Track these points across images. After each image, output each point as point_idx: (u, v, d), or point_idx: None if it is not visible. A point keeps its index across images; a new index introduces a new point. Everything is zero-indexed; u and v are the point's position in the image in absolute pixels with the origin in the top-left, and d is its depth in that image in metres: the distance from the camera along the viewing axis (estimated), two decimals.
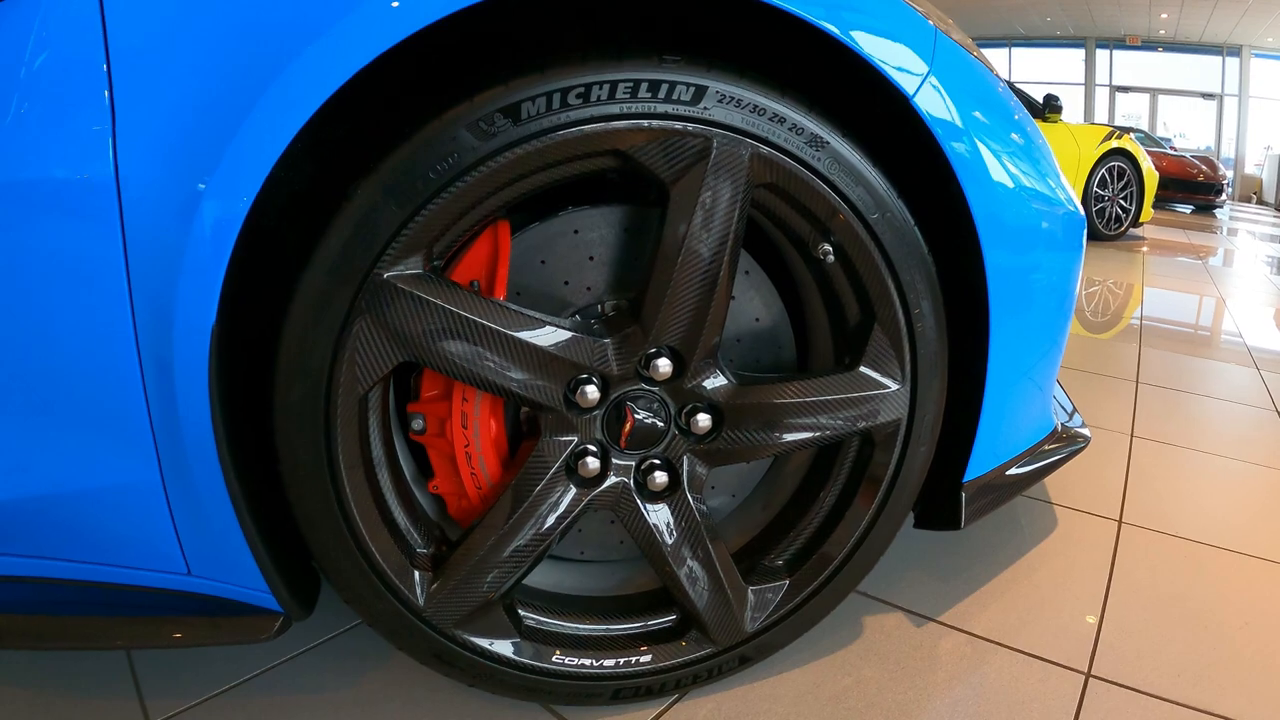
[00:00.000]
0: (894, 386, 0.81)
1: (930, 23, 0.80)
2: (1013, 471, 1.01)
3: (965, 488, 0.93)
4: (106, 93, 0.60)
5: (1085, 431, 1.24)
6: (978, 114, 0.81)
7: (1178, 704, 0.92)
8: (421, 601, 0.77)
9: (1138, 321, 3.05)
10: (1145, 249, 4.92)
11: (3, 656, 0.95)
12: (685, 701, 0.92)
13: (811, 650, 1.00)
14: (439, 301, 0.68)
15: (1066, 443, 1.14)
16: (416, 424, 0.80)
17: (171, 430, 0.67)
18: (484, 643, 0.82)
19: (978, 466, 0.94)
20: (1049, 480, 1.49)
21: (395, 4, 0.60)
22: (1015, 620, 1.07)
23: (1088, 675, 0.96)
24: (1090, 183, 4.66)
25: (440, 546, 0.81)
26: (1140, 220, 4.97)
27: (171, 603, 0.77)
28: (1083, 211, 1.05)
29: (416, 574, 0.77)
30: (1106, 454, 1.65)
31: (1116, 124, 5.21)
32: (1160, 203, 6.87)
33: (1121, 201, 4.86)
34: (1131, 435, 1.78)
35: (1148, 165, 4.79)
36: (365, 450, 0.72)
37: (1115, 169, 4.74)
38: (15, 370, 0.65)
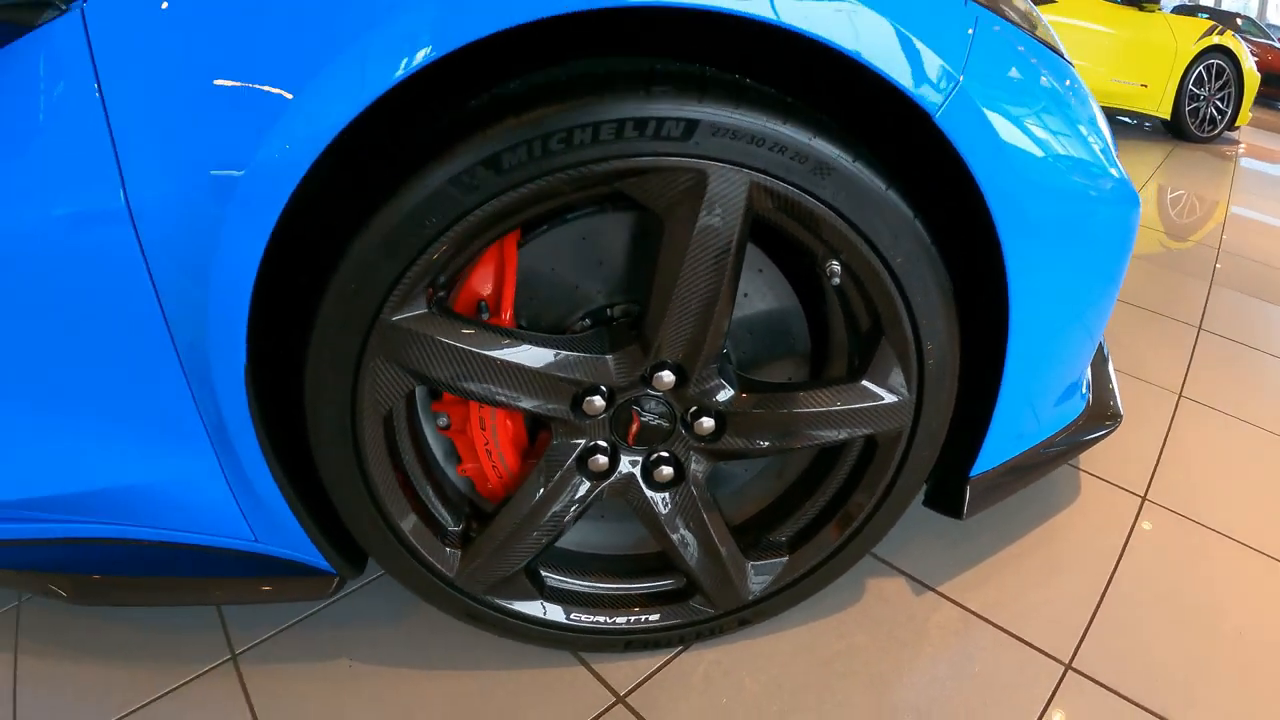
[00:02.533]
0: (899, 398, 0.83)
1: (967, 7, 0.72)
2: (1024, 465, 1.02)
3: (971, 482, 0.96)
4: (121, 190, 0.65)
5: (1119, 407, 1.22)
6: (1019, 126, 0.74)
7: (1148, 711, 0.96)
8: (453, 574, 0.87)
9: (1213, 250, 2.78)
10: (1240, 155, 4.55)
11: None
12: (689, 653, 1.02)
13: (812, 610, 1.08)
14: (443, 339, 0.73)
15: (1091, 427, 1.13)
16: (442, 420, 0.86)
17: (221, 433, 0.76)
18: (510, 604, 0.93)
19: (986, 462, 0.96)
20: None
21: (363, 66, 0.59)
22: (1011, 599, 1.11)
23: (1068, 667, 1.01)
24: (1185, 80, 4.27)
25: (470, 522, 0.90)
26: (1237, 123, 4.57)
27: (249, 564, 0.89)
28: (1138, 200, 0.94)
29: (448, 550, 0.87)
30: (1148, 415, 1.60)
31: (1223, 9, 4.69)
32: (1265, 100, 6.25)
33: (1218, 102, 4.45)
34: (1180, 395, 1.70)
35: (1249, 65, 4.35)
36: (394, 453, 0.79)
37: (1214, 67, 4.32)
38: (111, 393, 0.76)
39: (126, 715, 1.02)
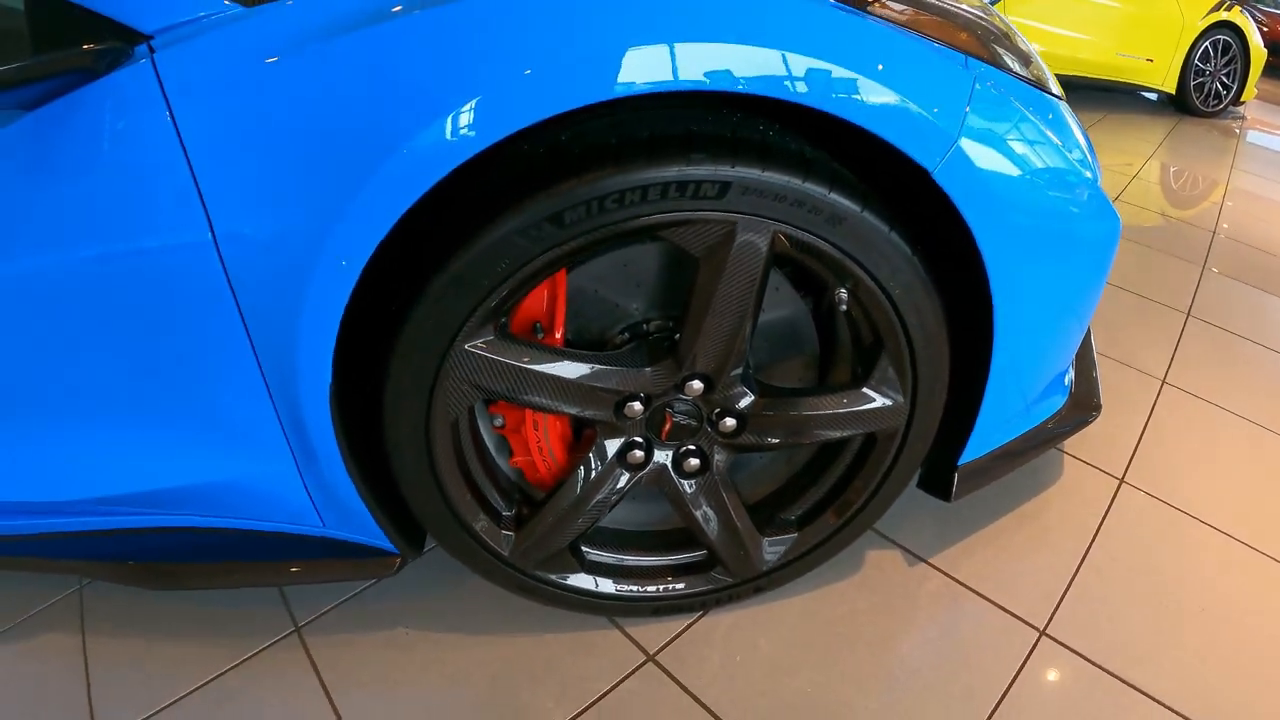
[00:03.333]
0: (895, 403, 0.96)
1: (967, 70, 0.83)
2: (1008, 453, 1.15)
3: (959, 470, 1.09)
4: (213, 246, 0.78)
5: (1099, 398, 1.33)
6: (1006, 169, 0.85)
7: (1114, 676, 1.09)
8: (507, 554, 1.01)
9: (1208, 232, 2.80)
10: (1243, 129, 4.59)
11: None
12: (709, 617, 1.17)
13: (819, 578, 1.22)
14: (507, 360, 0.85)
15: (1072, 418, 1.25)
16: (498, 421, 1.00)
17: (302, 440, 0.90)
18: (555, 577, 1.07)
19: (973, 451, 1.09)
20: None
21: (450, 135, 0.71)
22: (994, 570, 1.25)
23: (1042, 633, 1.15)
24: (1191, 56, 4.30)
25: (522, 507, 1.03)
26: (1242, 99, 4.60)
27: (313, 547, 1.03)
28: (1117, 223, 1.04)
29: (503, 533, 1.00)
30: (1132, 401, 1.70)
31: None
32: (1273, 72, 6.20)
33: (1223, 77, 4.48)
34: (1163, 381, 1.80)
35: (1256, 41, 4.36)
36: (459, 453, 0.93)
37: (1221, 43, 4.35)
38: (200, 404, 0.89)
39: (200, 687, 1.17)
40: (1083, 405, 1.29)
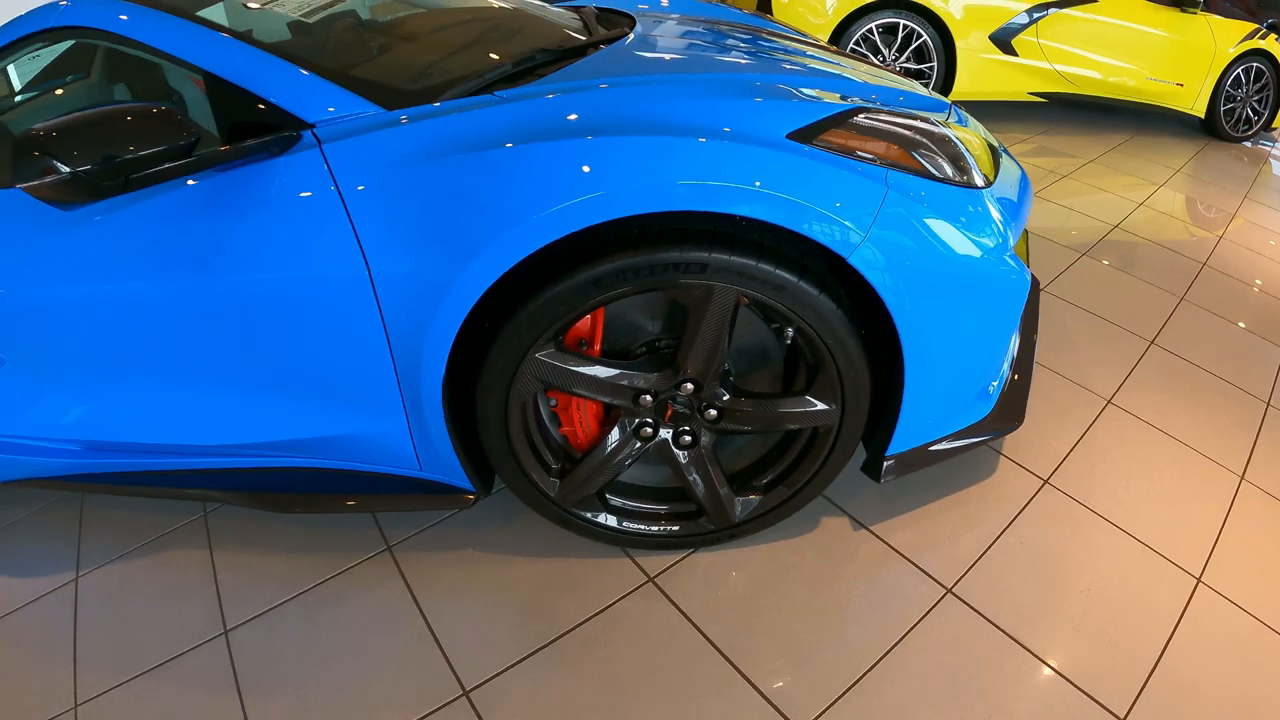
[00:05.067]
0: (830, 408, 1.34)
1: (885, 183, 1.19)
2: (933, 449, 1.50)
3: (886, 459, 1.46)
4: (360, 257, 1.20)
5: (1023, 412, 1.65)
6: (912, 251, 1.21)
7: (1001, 631, 1.43)
8: (553, 495, 1.43)
9: (1198, 264, 2.90)
10: (1272, 156, 4.71)
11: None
12: (696, 554, 1.57)
13: (781, 533, 1.61)
14: (563, 365, 1.27)
15: (992, 427, 1.56)
16: (552, 402, 1.41)
17: (416, 408, 1.33)
18: (587, 514, 1.49)
19: (898, 446, 1.45)
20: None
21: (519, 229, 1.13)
22: (921, 540, 1.61)
23: (949, 591, 1.50)
24: (1223, 81, 4.43)
25: (565, 463, 1.45)
26: (1272, 126, 4.72)
27: (407, 485, 1.46)
28: (1027, 275, 1.38)
29: (551, 480, 1.42)
30: (1072, 415, 1.98)
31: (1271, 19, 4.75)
32: None
33: (1254, 103, 4.61)
34: (1108, 402, 2.06)
35: None
36: (524, 424, 1.34)
37: (1254, 69, 4.48)
38: (334, 380, 1.32)
39: (310, 589, 1.63)
40: (1005, 417, 1.62)
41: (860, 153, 1.21)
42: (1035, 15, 4.24)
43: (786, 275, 1.19)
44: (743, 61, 1.68)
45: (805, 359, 1.35)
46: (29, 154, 1.20)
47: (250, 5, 1.83)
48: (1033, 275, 1.91)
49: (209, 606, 1.74)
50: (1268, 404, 2.15)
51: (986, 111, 4.62)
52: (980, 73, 4.31)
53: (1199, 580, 1.58)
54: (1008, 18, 4.24)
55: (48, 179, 1.21)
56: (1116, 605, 1.51)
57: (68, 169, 1.19)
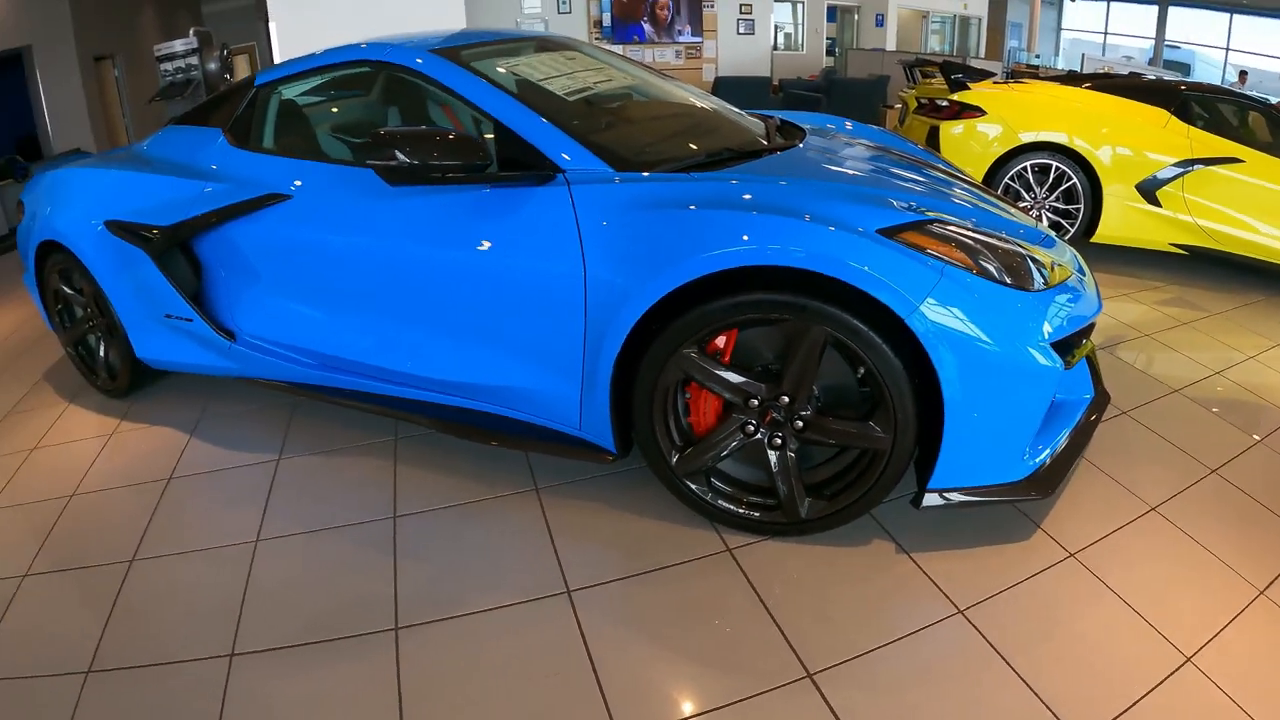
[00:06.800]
0: (885, 435, 1.82)
1: (939, 272, 1.70)
2: (963, 492, 1.91)
3: (926, 491, 1.90)
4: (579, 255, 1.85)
5: (1059, 487, 2.01)
6: (957, 324, 1.70)
7: (997, 652, 1.82)
8: (674, 464, 1.99)
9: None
10: None
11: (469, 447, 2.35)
12: (768, 541, 2.06)
13: (837, 540, 2.06)
14: (701, 364, 1.85)
15: (1023, 490, 1.91)
16: (686, 395, 1.97)
17: (591, 376, 1.95)
18: (695, 487, 2.04)
19: (937, 482, 1.88)
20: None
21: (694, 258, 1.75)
22: (948, 572, 2.00)
23: (959, 611, 1.90)
24: None
25: (687, 444, 2.00)
26: None
27: (568, 440, 2.09)
28: (1057, 366, 1.80)
29: (674, 455, 2.00)
30: (1113, 513, 2.24)
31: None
32: None
33: None
34: (1152, 509, 2.28)
35: None
36: (664, 408, 1.93)
37: None
38: (539, 346, 1.98)
39: (467, 504, 2.30)
40: (1037, 486, 1.99)
41: (929, 250, 1.73)
42: (1182, 170, 4.47)
43: (860, 324, 1.73)
44: (875, 177, 2.25)
45: (868, 393, 1.84)
46: (382, 144, 1.92)
47: (508, 68, 2.59)
48: (1102, 392, 2.30)
49: (384, 497, 2.41)
50: None
51: (1127, 256, 4.81)
52: (1124, 220, 4.56)
53: (1188, 659, 1.81)
54: (1154, 170, 4.51)
55: (389, 163, 1.93)
56: (1104, 654, 1.77)
57: (405, 160, 1.91)
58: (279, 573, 2.15)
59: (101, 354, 3.29)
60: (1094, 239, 4.71)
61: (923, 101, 5.30)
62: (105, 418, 3.26)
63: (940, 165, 2.80)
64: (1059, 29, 22.80)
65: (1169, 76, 7.28)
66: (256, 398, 3.19)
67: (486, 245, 2.02)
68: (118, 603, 2.12)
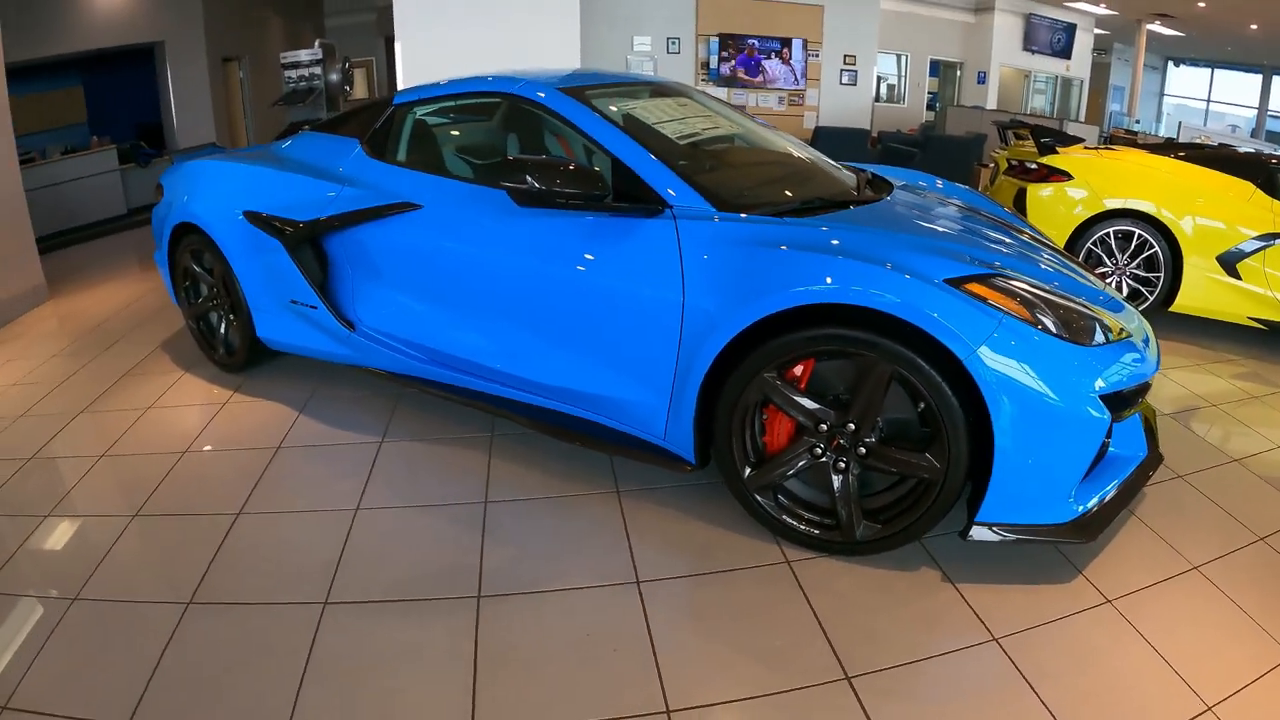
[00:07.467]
0: (940, 465, 2.02)
1: (997, 320, 1.90)
2: (1007, 529, 2.08)
3: (975, 523, 2.08)
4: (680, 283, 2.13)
5: (1099, 533, 2.15)
6: (1010, 370, 1.89)
7: (1025, 680, 1.99)
8: (746, 478, 2.24)
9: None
10: None
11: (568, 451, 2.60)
12: (824, 558, 2.27)
13: (888, 564, 2.25)
14: (778, 387, 2.10)
15: (1065, 534, 2.06)
16: (763, 416, 2.21)
17: (681, 390, 2.21)
18: (762, 500, 2.28)
19: (984, 515, 2.06)
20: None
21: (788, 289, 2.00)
22: (988, 604, 2.15)
23: (994, 639, 2.06)
24: None
25: (759, 461, 2.25)
26: None
27: (650, 448, 2.36)
28: (1105, 419, 1.98)
29: (747, 469, 2.24)
30: (1155, 568, 2.32)
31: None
32: None
33: None
34: (1194, 568, 2.33)
35: None
36: (742, 425, 2.18)
37: None
38: (635, 361, 2.26)
39: (553, 498, 2.54)
40: (1082, 532, 2.13)
41: (989, 300, 1.94)
42: (1264, 243, 4.48)
43: (921, 361, 1.94)
44: (958, 235, 2.47)
45: (928, 428, 2.05)
46: (513, 169, 2.22)
47: (624, 109, 2.88)
48: (1156, 453, 2.44)
49: (477, 484, 2.69)
50: None
51: (1205, 327, 4.80)
52: (1203, 290, 4.58)
53: (1209, 708, 1.90)
54: (1236, 242, 4.53)
55: (520, 186, 2.22)
56: (1128, 693, 1.88)
57: (536, 185, 2.20)
58: (375, 539, 2.43)
59: (221, 331, 3.64)
60: (1172, 308, 4.73)
61: (1013, 163, 5.44)
62: (219, 388, 3.62)
63: (1023, 228, 2.97)
64: (1161, 94, 22.29)
65: (1266, 149, 7.18)
66: (365, 384, 3.53)
67: (597, 266, 2.30)
68: (223, 547, 2.40)
